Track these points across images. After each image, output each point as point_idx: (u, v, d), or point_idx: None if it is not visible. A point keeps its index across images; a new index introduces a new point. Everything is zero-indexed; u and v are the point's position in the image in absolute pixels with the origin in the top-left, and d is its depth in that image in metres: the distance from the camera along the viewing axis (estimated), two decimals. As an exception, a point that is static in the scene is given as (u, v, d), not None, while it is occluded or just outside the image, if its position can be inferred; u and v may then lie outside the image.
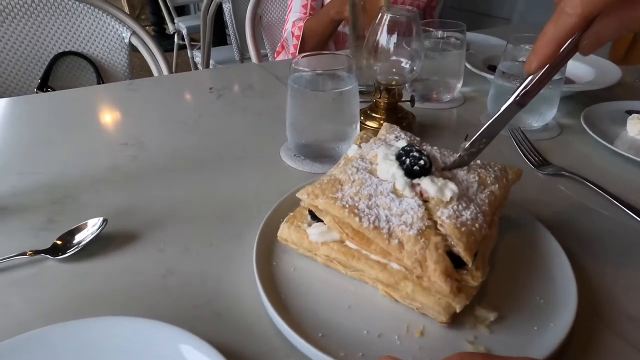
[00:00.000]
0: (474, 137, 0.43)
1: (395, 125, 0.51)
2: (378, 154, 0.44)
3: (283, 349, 0.37)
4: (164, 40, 3.80)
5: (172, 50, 3.09)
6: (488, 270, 0.38)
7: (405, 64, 0.67)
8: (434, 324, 0.38)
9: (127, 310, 0.41)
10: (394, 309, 0.39)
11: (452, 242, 0.37)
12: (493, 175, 0.44)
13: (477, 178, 0.43)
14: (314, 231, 0.41)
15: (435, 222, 0.38)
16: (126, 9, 4.00)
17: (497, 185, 0.44)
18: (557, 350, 0.34)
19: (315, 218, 0.43)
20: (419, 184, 0.41)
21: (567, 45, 0.34)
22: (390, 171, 0.42)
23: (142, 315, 0.37)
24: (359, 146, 0.48)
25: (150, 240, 0.49)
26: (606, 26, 0.32)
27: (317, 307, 0.39)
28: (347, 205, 0.39)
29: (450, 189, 0.40)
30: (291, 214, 0.45)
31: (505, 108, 0.40)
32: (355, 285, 0.41)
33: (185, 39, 2.81)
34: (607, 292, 0.43)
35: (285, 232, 0.43)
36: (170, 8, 2.99)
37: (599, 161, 0.66)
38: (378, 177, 0.42)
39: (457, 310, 0.36)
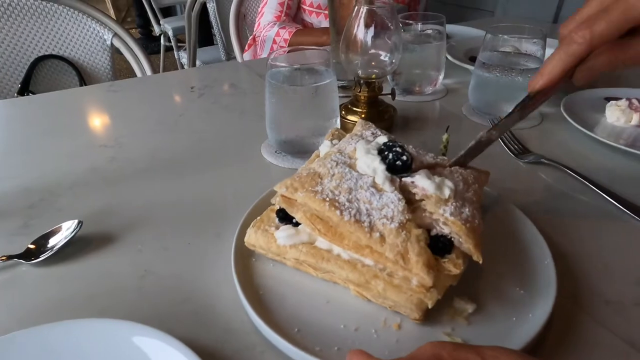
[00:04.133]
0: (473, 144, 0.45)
1: (370, 122, 0.51)
2: (358, 149, 0.44)
3: (259, 346, 0.36)
4: (151, 42, 3.77)
5: (160, 52, 3.06)
6: (467, 261, 0.38)
7: (384, 56, 0.67)
8: (412, 316, 0.37)
9: (102, 312, 0.40)
10: (372, 303, 0.39)
11: (461, 240, 0.36)
12: (472, 176, 0.44)
13: (460, 177, 0.43)
14: (282, 234, 0.41)
15: (423, 218, 0.37)
16: (111, 12, 3.96)
17: (477, 184, 0.44)
18: (533, 340, 0.34)
19: (283, 220, 0.42)
20: (403, 179, 0.40)
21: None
22: (371, 165, 0.41)
23: (117, 316, 0.36)
24: (332, 142, 0.47)
25: (128, 242, 0.48)
26: (599, 61, 0.37)
27: (295, 302, 0.39)
28: (327, 199, 0.38)
29: (448, 186, 0.39)
30: (258, 218, 0.44)
31: (508, 115, 0.44)
32: (334, 279, 0.41)
33: (172, 40, 2.79)
34: (586, 278, 0.43)
35: (252, 237, 0.42)
36: (156, 9, 2.96)
37: (579, 148, 0.66)
38: (357, 172, 0.42)
39: (429, 306, 0.36)
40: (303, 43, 1.26)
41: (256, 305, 0.37)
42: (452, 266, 0.36)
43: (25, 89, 1.17)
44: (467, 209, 0.38)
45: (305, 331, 0.36)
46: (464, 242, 0.36)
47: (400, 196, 0.38)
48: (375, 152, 0.42)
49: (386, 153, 0.42)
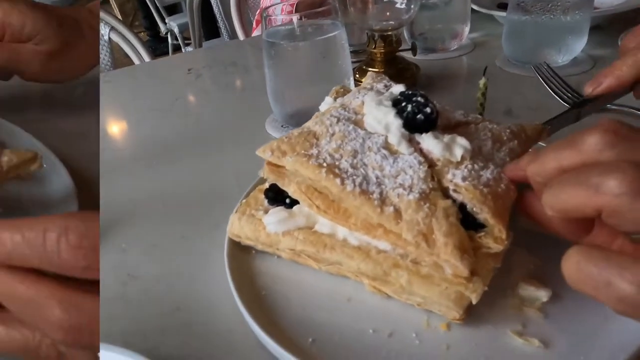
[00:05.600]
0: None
1: (383, 75, 0.42)
2: (367, 101, 0.34)
3: (265, 362, 0.28)
4: (159, 44, 3.73)
5: (168, 53, 3.02)
6: (512, 235, 0.27)
7: (400, 4, 0.57)
8: (465, 312, 0.28)
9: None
10: (409, 296, 0.30)
11: (475, 209, 0.27)
12: (509, 131, 0.34)
13: (489, 135, 0.33)
14: (271, 219, 0.32)
15: (445, 188, 0.28)
16: (119, 16, 3.94)
17: (515, 141, 0.33)
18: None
19: (273, 201, 0.33)
20: (418, 142, 0.31)
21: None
22: (383, 121, 0.32)
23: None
24: (334, 100, 0.38)
25: (110, 242, 0.41)
26: None
27: (308, 303, 0.30)
28: (324, 164, 0.29)
29: (461, 144, 0.30)
30: (243, 200, 0.36)
31: (561, 115, 0.39)
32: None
33: (178, 37, 2.74)
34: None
35: (235, 225, 0.34)
36: (160, 8, 2.91)
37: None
38: (365, 130, 0.32)
39: (474, 301, 0.26)
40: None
41: (256, 310, 0.29)
42: (492, 241, 0.27)
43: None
44: (489, 171, 0.29)
45: (323, 341, 0.27)
46: (479, 212, 0.27)
47: (421, 159, 0.29)
48: (389, 103, 0.33)
49: (404, 104, 0.32)
